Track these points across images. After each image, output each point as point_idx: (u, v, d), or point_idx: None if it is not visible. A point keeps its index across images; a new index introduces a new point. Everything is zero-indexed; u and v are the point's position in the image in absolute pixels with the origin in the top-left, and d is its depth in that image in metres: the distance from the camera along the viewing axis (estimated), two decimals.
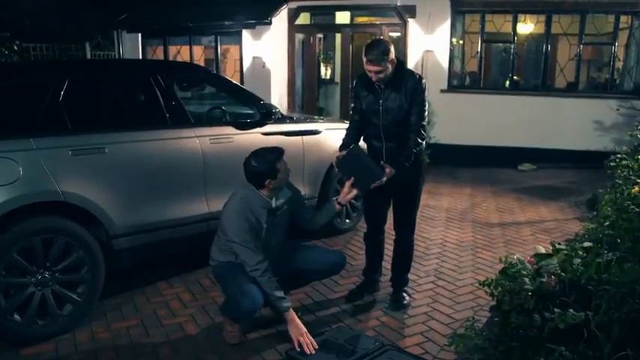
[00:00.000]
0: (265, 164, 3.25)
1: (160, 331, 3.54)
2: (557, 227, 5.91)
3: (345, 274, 4.51)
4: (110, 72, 4.20)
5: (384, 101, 3.60)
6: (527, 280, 3.05)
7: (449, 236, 5.58)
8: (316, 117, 6.56)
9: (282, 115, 4.81)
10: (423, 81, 3.61)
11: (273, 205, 3.38)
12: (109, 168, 3.63)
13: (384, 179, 3.45)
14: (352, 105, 3.87)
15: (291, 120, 5.04)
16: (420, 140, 3.60)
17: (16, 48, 8.85)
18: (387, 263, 4.20)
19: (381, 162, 3.52)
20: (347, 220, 5.63)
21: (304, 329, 3.20)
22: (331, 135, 5.28)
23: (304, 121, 5.28)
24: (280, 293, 3.23)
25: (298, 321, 3.23)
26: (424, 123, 3.62)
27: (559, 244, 3.79)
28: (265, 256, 3.26)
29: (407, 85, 3.55)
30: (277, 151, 3.32)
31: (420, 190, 3.88)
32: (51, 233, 3.34)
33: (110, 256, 3.69)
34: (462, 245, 5.29)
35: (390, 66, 3.49)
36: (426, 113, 3.64)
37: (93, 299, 3.60)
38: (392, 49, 3.50)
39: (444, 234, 5.65)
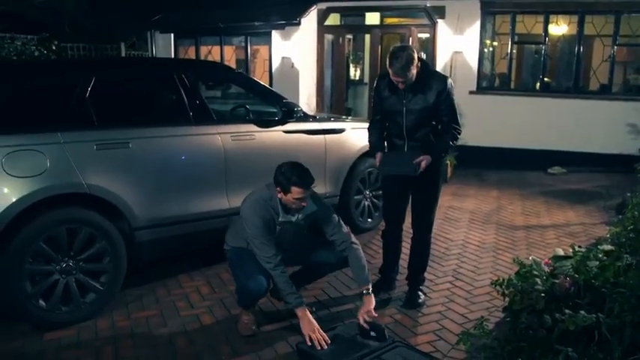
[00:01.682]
0: (283, 176, 3.25)
1: (178, 322, 3.65)
2: (583, 231, 5.81)
3: None
4: (135, 70, 4.35)
5: (407, 102, 3.63)
6: (538, 280, 3.04)
7: (471, 238, 5.54)
8: (339, 116, 6.60)
9: (304, 113, 4.87)
10: (449, 81, 3.63)
11: (285, 219, 3.36)
12: (132, 162, 3.76)
13: (419, 171, 3.58)
14: (373, 104, 3.91)
15: (314, 119, 5.09)
16: (455, 135, 3.67)
17: (54, 48, 9.17)
18: (404, 262, 4.22)
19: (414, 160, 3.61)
20: (369, 220, 5.66)
21: (316, 325, 3.22)
22: (354, 134, 5.34)
23: (327, 119, 5.34)
24: (292, 289, 3.27)
25: (310, 317, 3.25)
26: (458, 120, 3.69)
27: (579, 247, 3.75)
28: (277, 251, 3.31)
29: (432, 86, 3.58)
30: (305, 178, 3.27)
31: (438, 188, 3.90)
32: (75, 224, 3.49)
33: (132, 248, 3.81)
34: (483, 247, 5.26)
35: (414, 72, 3.52)
36: (457, 110, 3.69)
37: (114, 289, 3.73)
38: (415, 55, 3.50)
39: (465, 235, 5.62)
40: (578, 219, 6.34)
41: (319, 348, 3.12)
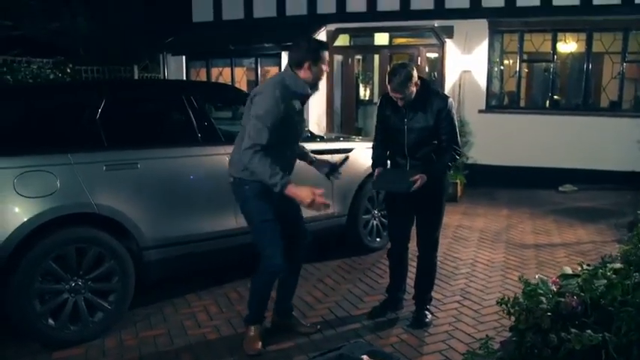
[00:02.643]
0: (313, 43, 3.29)
1: (185, 341, 3.67)
2: (594, 249, 5.76)
3: (371, 291, 4.55)
4: (145, 92, 4.45)
5: (408, 121, 3.67)
6: (544, 299, 3.02)
7: (480, 256, 5.52)
8: (347, 136, 6.64)
9: (311, 133, 4.92)
10: (449, 100, 3.68)
11: (312, 92, 3.35)
12: (141, 182, 3.82)
13: (412, 189, 3.56)
14: (377, 123, 3.96)
15: (321, 139, 5.14)
16: (455, 156, 3.70)
17: (69, 71, 9.37)
18: (411, 281, 4.21)
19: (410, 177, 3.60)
20: (377, 239, 5.66)
21: (310, 188, 3.17)
22: (362, 154, 5.35)
23: (334, 140, 5.38)
24: (275, 169, 3.10)
25: (301, 187, 3.17)
26: (458, 140, 3.72)
27: (588, 265, 3.73)
28: (273, 149, 3.15)
29: (432, 105, 3.63)
30: (325, 44, 3.35)
31: (442, 208, 3.91)
32: (84, 243, 3.54)
33: (140, 267, 3.85)
34: (492, 266, 5.23)
35: (413, 89, 3.58)
36: (457, 131, 3.73)
37: (123, 308, 3.76)
38: (414, 73, 3.56)
39: (475, 254, 5.60)
40: (589, 237, 6.29)
41: (323, 211, 3.34)
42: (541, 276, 3.50)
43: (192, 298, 4.39)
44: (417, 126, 3.64)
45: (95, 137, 3.71)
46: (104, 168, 3.66)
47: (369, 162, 5.28)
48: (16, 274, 3.30)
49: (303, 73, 3.26)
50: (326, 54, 3.31)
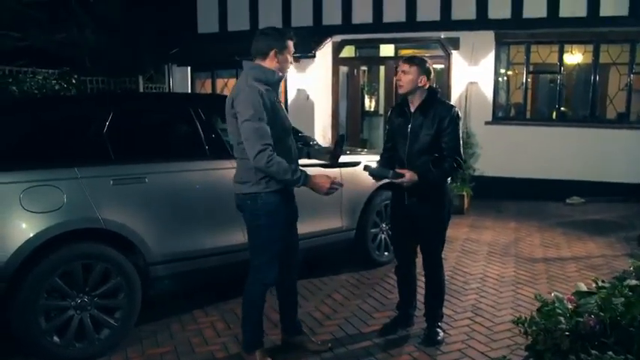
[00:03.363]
0: (279, 31, 3.23)
1: (192, 359, 3.59)
2: (605, 264, 5.68)
3: (380, 307, 4.48)
4: (152, 104, 4.40)
5: (412, 125, 3.63)
6: (562, 319, 2.94)
7: (489, 271, 5.44)
8: (355, 148, 6.59)
9: (319, 146, 4.86)
10: (454, 109, 3.60)
11: (284, 74, 3.29)
12: (148, 197, 3.77)
13: (398, 180, 3.54)
14: (386, 132, 4.00)
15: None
16: (455, 166, 3.58)
17: (74, 82, 9.36)
18: (422, 297, 4.14)
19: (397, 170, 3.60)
20: (385, 253, 5.59)
21: (325, 174, 3.27)
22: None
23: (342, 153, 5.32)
24: (293, 165, 3.14)
25: (317, 175, 3.24)
26: (460, 152, 3.62)
27: (603, 281, 3.65)
28: (278, 143, 3.13)
29: (436, 112, 3.57)
30: (290, 34, 3.26)
31: (443, 226, 3.80)
32: (91, 259, 3.48)
33: (147, 283, 3.79)
34: (502, 281, 5.15)
35: (416, 79, 3.53)
36: (461, 142, 3.64)
37: (129, 325, 3.69)
38: (424, 65, 3.57)
39: (484, 269, 5.52)
40: (599, 251, 6.21)
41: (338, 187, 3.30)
42: (557, 294, 3.43)
43: (199, 314, 4.32)
44: (419, 132, 3.59)
45: (102, 151, 3.66)
46: (111, 182, 3.61)
47: None
48: (21, 290, 3.24)
49: (269, 62, 3.19)
50: (291, 44, 3.24)
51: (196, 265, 4.00)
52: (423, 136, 3.59)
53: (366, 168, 3.67)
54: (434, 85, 3.67)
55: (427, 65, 3.60)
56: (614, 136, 8.94)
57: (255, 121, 3.02)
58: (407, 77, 3.56)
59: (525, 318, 3.06)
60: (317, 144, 4.83)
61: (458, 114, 3.60)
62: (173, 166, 3.94)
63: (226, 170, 4.12)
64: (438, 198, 3.70)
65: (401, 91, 3.64)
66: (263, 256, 3.31)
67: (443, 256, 3.90)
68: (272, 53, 3.18)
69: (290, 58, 3.27)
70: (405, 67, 3.57)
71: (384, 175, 3.64)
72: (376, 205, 5.40)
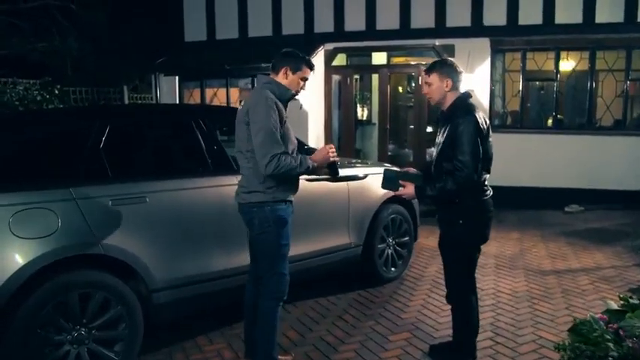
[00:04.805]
0: (299, 54, 3.29)
1: None
2: (617, 275, 5.51)
3: (395, 328, 4.24)
4: (152, 118, 4.09)
5: (438, 135, 3.42)
6: (611, 345, 2.73)
7: (501, 286, 5.22)
8: (361, 161, 6.34)
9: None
10: (468, 117, 3.17)
11: (296, 91, 3.32)
12: (149, 218, 3.47)
13: (398, 193, 3.48)
14: None
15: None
16: (459, 184, 3.16)
17: (57, 92, 8.98)
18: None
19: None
20: (392, 269, 5.35)
21: (322, 149, 3.34)
22: (377, 180, 5.06)
23: (349, 166, 5.09)
24: (296, 158, 3.17)
25: (316, 153, 3.32)
26: (470, 167, 3.13)
27: (631, 297, 3.46)
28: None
29: (453, 120, 3.25)
30: (311, 63, 3.34)
31: (454, 255, 3.44)
32: (88, 288, 3.17)
33: (150, 311, 3.49)
34: (516, 296, 4.94)
35: (440, 84, 3.30)
36: (468, 155, 3.12)
37: (130, 357, 3.37)
38: (446, 69, 3.31)
39: (495, 283, 5.30)
40: (608, 261, 6.05)
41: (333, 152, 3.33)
42: (592, 315, 3.23)
43: (203, 342, 4.02)
44: (440, 141, 3.35)
45: (99, 168, 3.36)
46: (110, 203, 3.30)
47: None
48: (12, 325, 2.91)
49: (280, 78, 3.26)
50: (307, 69, 3.31)
51: (203, 290, 3.71)
52: (440, 146, 3.34)
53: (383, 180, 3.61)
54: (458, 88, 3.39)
55: (448, 66, 3.34)
56: (611, 143, 8.89)
57: (269, 130, 3.05)
58: (431, 88, 3.36)
59: (568, 344, 2.86)
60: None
61: (475, 124, 3.16)
62: (176, 184, 3.65)
63: (232, 187, 3.86)
64: (454, 214, 3.36)
65: (432, 103, 3.42)
66: (273, 267, 3.25)
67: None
68: (283, 70, 3.25)
69: (301, 83, 3.32)
70: (426, 77, 3.38)
71: (392, 188, 3.54)
72: (383, 219, 5.17)
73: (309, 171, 3.24)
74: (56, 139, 3.39)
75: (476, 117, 3.20)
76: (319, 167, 3.32)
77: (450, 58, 3.77)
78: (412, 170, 3.58)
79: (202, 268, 3.71)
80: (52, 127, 3.49)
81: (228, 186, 3.84)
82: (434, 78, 3.32)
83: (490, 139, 3.36)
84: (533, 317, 4.43)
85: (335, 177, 3.79)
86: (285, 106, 3.28)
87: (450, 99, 3.33)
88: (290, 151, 3.22)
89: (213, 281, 3.76)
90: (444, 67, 3.33)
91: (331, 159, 3.32)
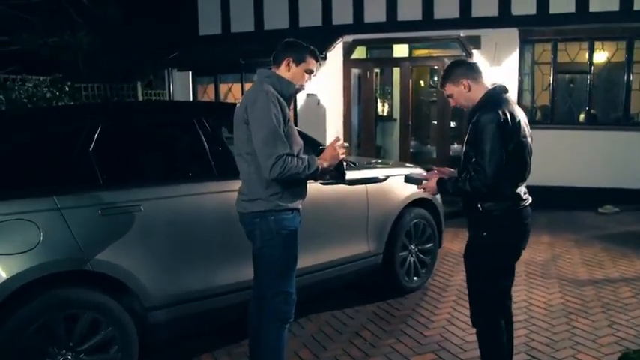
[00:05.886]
0: (301, 44, 2.97)
1: None
2: None
3: (419, 348, 3.86)
4: (149, 117, 3.71)
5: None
6: None
7: (534, 298, 4.79)
8: (382, 161, 5.92)
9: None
10: (489, 114, 2.78)
11: (300, 85, 2.99)
12: (145, 229, 3.12)
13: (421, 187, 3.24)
14: None
15: (354, 166, 4.45)
16: (473, 187, 2.81)
17: (67, 89, 8.73)
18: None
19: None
20: (415, 278, 4.95)
21: (330, 147, 2.99)
22: (398, 182, 4.67)
23: (368, 167, 4.70)
24: (303, 160, 2.84)
25: (324, 154, 2.98)
26: (485, 169, 2.77)
27: None
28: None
29: (474, 118, 2.88)
30: (314, 51, 3.02)
31: (483, 264, 3.01)
32: (75, 308, 2.85)
33: (146, 331, 3.15)
34: (551, 310, 4.51)
35: (459, 89, 2.96)
36: (485, 158, 2.76)
37: None
38: (459, 70, 2.97)
39: (527, 294, 4.87)
40: None
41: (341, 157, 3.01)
42: None
43: None
44: (465, 141, 2.97)
45: (88, 174, 3.02)
46: (99, 212, 2.96)
47: (408, 191, 4.71)
48: None
49: (282, 71, 2.95)
50: (311, 60, 2.99)
51: (205, 307, 3.36)
52: (464, 147, 2.97)
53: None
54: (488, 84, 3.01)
55: (456, 68, 3.00)
56: None
57: (272, 128, 2.74)
58: (454, 98, 3.03)
59: None
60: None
61: (497, 121, 2.75)
62: (174, 190, 3.29)
63: (236, 192, 3.50)
64: (479, 223, 2.98)
65: (466, 109, 3.04)
66: (278, 284, 2.93)
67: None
68: (285, 61, 2.94)
69: (306, 76, 3.01)
70: (444, 91, 3.06)
71: (415, 182, 3.29)
72: (405, 224, 4.78)
73: (317, 173, 2.91)
74: (39, 141, 3.05)
75: (499, 114, 2.77)
76: (329, 168, 2.98)
77: (459, 58, 3.38)
78: (441, 170, 3.22)
79: (204, 284, 3.35)
80: (34, 128, 3.14)
81: (233, 192, 3.47)
82: (449, 88, 3.01)
83: (525, 140, 2.92)
84: (572, 336, 4.01)
85: (341, 180, 3.42)
86: (289, 103, 2.94)
87: (478, 96, 2.95)
88: (295, 153, 2.88)
89: (216, 297, 3.41)
90: (453, 72, 2.99)
91: (340, 156, 2.99)
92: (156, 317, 3.17)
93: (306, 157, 2.87)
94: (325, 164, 2.92)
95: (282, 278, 2.92)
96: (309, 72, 2.99)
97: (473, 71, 2.98)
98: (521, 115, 2.93)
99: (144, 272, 3.07)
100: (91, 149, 3.05)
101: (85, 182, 3.01)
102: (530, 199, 3.02)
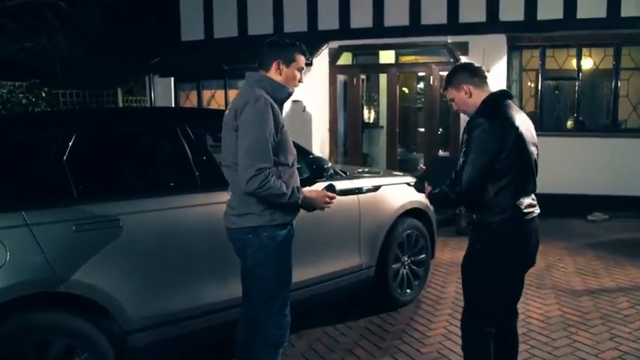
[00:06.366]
0: (287, 42, 2.76)
1: None
2: None
3: None
4: (128, 124, 3.46)
5: None
6: None
7: (531, 309, 4.63)
8: (372, 170, 5.72)
9: (334, 170, 4.05)
10: (478, 120, 2.64)
11: (292, 90, 2.80)
12: (124, 246, 2.88)
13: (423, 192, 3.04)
14: None
15: (345, 176, 4.25)
16: (451, 196, 2.71)
17: (44, 95, 8.43)
18: None
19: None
20: (408, 291, 4.76)
21: (319, 194, 2.82)
22: (391, 192, 4.51)
23: (359, 176, 4.50)
24: (291, 188, 2.63)
25: (310, 192, 2.81)
26: (461, 178, 2.64)
27: None
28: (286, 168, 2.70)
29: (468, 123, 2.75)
30: (301, 47, 2.80)
31: (475, 279, 2.85)
32: (46, 333, 2.60)
33: (125, 356, 2.91)
34: (549, 322, 4.36)
35: (460, 95, 2.81)
36: (469, 165, 2.62)
37: None
38: (460, 75, 2.83)
39: (524, 306, 4.70)
40: None
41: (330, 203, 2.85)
42: None
43: None
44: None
45: (61, 186, 2.78)
46: (73, 228, 2.71)
47: (400, 201, 4.54)
48: None
49: (272, 75, 2.75)
50: (301, 58, 2.79)
51: (190, 327, 3.13)
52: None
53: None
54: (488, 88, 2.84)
55: (458, 73, 2.86)
56: (638, 146, 8.35)
57: (261, 136, 2.54)
58: (455, 102, 2.89)
59: None
60: (332, 167, 4.01)
61: (488, 128, 2.60)
62: (156, 203, 3.06)
63: (222, 205, 3.28)
64: (474, 234, 2.84)
65: (469, 115, 2.84)
66: (271, 307, 2.72)
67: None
68: (274, 65, 2.72)
69: (298, 75, 2.81)
70: (446, 95, 2.93)
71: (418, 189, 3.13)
72: (398, 235, 4.60)
73: (294, 206, 2.69)
74: (7, 150, 2.80)
75: (490, 119, 2.62)
76: (306, 207, 2.78)
77: (463, 61, 3.22)
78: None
79: (189, 303, 3.12)
80: (1, 136, 2.89)
81: (219, 204, 3.25)
82: (451, 93, 2.87)
83: (527, 149, 2.71)
84: (574, 351, 3.86)
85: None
86: (281, 108, 2.73)
87: (478, 102, 2.78)
88: (290, 163, 2.69)
89: (203, 317, 3.18)
90: (455, 77, 2.86)
91: (325, 207, 2.85)
92: (136, 341, 2.93)
93: (292, 187, 2.65)
94: (309, 201, 2.75)
95: (276, 300, 2.71)
96: (300, 70, 2.80)
97: (475, 76, 2.83)
98: (523, 123, 2.75)
99: (123, 293, 2.83)
100: (64, 159, 2.81)
101: (57, 195, 2.76)
102: (536, 212, 2.83)
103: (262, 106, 2.55)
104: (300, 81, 2.83)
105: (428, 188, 2.93)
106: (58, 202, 2.74)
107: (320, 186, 3.13)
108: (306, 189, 2.83)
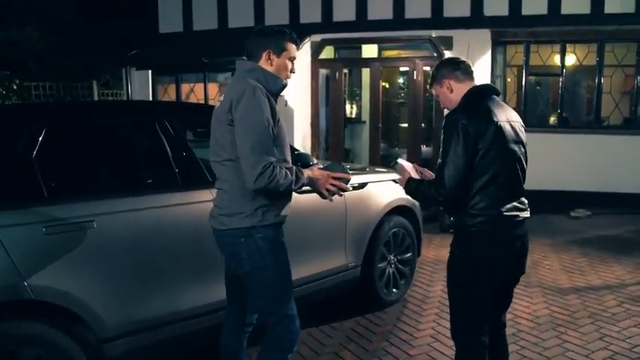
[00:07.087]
0: (277, 30, 2.61)
1: None
2: None
3: None
4: (102, 118, 3.24)
5: None
6: None
7: (519, 309, 4.55)
8: (357, 166, 5.60)
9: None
10: (453, 116, 2.54)
11: (286, 82, 2.66)
12: (99, 248, 2.70)
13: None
14: None
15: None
16: (433, 193, 2.58)
17: (15, 87, 8.11)
18: None
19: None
20: (394, 290, 4.65)
21: (324, 173, 2.67)
22: (377, 189, 4.38)
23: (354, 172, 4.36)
24: (294, 171, 2.52)
25: (315, 173, 2.65)
26: (442, 175, 2.51)
27: None
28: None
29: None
30: (292, 36, 2.65)
31: (456, 282, 2.72)
32: (13, 344, 2.41)
33: None
34: (538, 322, 4.29)
35: (442, 90, 2.71)
36: (446, 164, 2.49)
37: None
38: (443, 72, 2.70)
39: (512, 305, 4.54)
40: (631, 276, 5.45)
41: (341, 195, 2.79)
42: None
43: None
44: None
45: (30, 185, 2.59)
46: (44, 230, 2.53)
47: (387, 198, 4.42)
48: None
49: (263, 66, 2.59)
50: (292, 47, 2.64)
51: (172, 333, 2.97)
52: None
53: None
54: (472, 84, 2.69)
55: (441, 68, 2.73)
56: (620, 142, 8.39)
57: (264, 130, 2.40)
58: (440, 98, 2.79)
59: None
60: (317, 163, 3.84)
61: (461, 124, 2.46)
62: (133, 203, 2.88)
63: (206, 204, 3.11)
64: (455, 236, 2.71)
65: (448, 110, 2.72)
66: (278, 311, 2.60)
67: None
68: (265, 55, 2.57)
69: (290, 65, 2.65)
70: (432, 91, 2.82)
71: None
72: (384, 234, 4.48)
73: (300, 188, 2.59)
74: None
75: (465, 114, 2.49)
76: (312, 186, 2.66)
77: (447, 56, 3.11)
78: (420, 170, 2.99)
79: (170, 307, 2.96)
80: None
81: (200, 203, 3.09)
82: (436, 89, 2.78)
83: (510, 146, 2.54)
84: (565, 351, 3.79)
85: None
86: (276, 100, 2.58)
87: (459, 98, 2.65)
88: (287, 158, 2.58)
89: (184, 321, 3.02)
90: (438, 72, 2.74)
91: (327, 186, 2.68)
92: (113, 349, 2.76)
93: (294, 168, 2.52)
94: (315, 179, 2.63)
95: (282, 301, 2.59)
96: (292, 59, 2.64)
97: (457, 70, 2.68)
98: (508, 120, 2.59)
99: (98, 299, 2.66)
100: (33, 156, 2.61)
101: (25, 195, 2.57)
102: (522, 216, 2.62)
103: (260, 97, 2.41)
104: (292, 71, 2.66)
105: (406, 175, 2.80)
106: (26, 202, 2.55)
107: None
108: (308, 170, 2.70)
